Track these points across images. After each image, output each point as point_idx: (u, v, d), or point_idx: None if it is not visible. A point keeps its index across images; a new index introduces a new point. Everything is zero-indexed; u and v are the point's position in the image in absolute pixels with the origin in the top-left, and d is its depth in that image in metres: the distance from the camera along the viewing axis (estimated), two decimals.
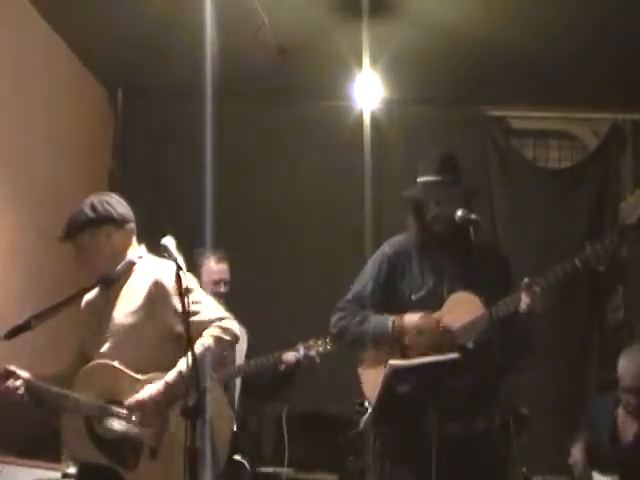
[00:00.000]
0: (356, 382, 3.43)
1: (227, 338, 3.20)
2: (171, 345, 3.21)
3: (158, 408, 3.12)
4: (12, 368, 3.18)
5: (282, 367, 4.43)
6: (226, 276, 4.57)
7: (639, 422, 4.30)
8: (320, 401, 5.32)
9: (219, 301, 4.36)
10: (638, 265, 5.28)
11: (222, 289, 4.52)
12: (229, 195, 5.53)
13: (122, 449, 3.14)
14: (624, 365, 4.34)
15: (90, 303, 3.37)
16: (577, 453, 4.45)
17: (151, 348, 3.21)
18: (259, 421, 5.13)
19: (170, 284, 3.16)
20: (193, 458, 2.63)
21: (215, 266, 4.55)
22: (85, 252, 3.27)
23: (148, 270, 3.28)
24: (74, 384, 3.18)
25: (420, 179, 3.47)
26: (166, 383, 3.12)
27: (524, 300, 3.16)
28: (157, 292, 3.20)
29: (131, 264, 3.31)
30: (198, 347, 3.09)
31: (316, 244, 5.92)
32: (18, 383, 3.14)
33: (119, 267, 3.29)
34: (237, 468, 4.28)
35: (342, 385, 3.92)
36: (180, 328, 3.14)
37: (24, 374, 3.18)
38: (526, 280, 3.16)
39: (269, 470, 4.95)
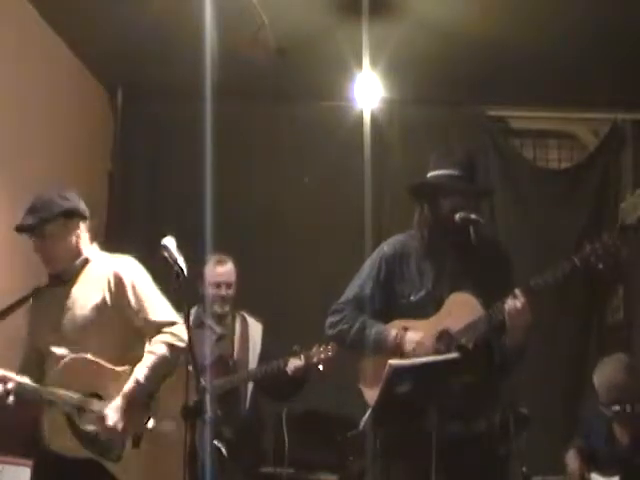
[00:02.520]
0: (356, 382, 3.43)
1: (180, 345, 3.21)
2: (133, 338, 3.27)
3: (126, 419, 3.14)
4: (3, 372, 3.17)
5: (290, 372, 4.41)
6: (226, 278, 4.54)
7: (628, 429, 4.31)
8: (320, 401, 5.32)
9: (223, 305, 4.47)
10: (638, 265, 5.28)
11: (223, 292, 4.51)
12: (229, 195, 5.53)
13: (105, 441, 3.16)
14: (597, 381, 4.36)
15: (40, 300, 3.34)
16: (572, 459, 4.45)
17: (115, 341, 3.24)
18: (259, 421, 5.12)
19: (127, 277, 3.25)
20: (193, 457, 2.64)
21: (214, 268, 4.54)
22: (51, 242, 3.27)
23: (105, 265, 3.32)
24: (52, 378, 3.18)
25: (436, 172, 3.41)
26: (124, 396, 3.16)
27: (510, 307, 3.15)
28: (115, 285, 3.25)
29: (86, 261, 3.34)
30: (151, 355, 3.17)
31: (316, 244, 5.92)
32: (10, 387, 3.14)
33: (77, 262, 3.32)
34: (214, 452, 4.28)
35: (342, 385, 3.91)
36: (137, 322, 3.23)
37: (15, 377, 3.18)
38: (516, 290, 3.16)
39: (269, 470, 4.95)
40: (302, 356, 4.37)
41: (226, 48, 4.89)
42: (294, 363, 4.37)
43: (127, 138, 6.22)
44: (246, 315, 4.63)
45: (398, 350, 3.30)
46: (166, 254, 2.94)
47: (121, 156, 6.21)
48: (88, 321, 3.22)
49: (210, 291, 4.48)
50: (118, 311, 3.24)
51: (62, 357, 3.21)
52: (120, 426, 3.12)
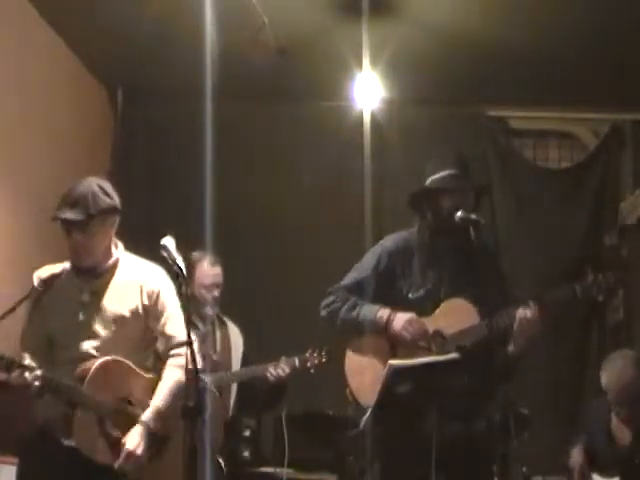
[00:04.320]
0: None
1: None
2: (145, 348, 3.28)
3: (145, 450, 3.12)
4: (28, 361, 3.10)
5: (276, 376, 4.39)
6: (219, 280, 4.42)
7: (630, 428, 4.31)
8: (320, 401, 5.31)
9: (214, 306, 4.38)
10: (638, 265, 5.28)
11: (215, 293, 4.37)
12: (229, 195, 5.53)
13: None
14: (605, 378, 4.36)
15: (64, 289, 3.26)
16: (577, 455, 4.46)
17: (131, 348, 3.23)
18: (259, 421, 5.12)
19: (159, 288, 3.26)
20: (193, 458, 2.63)
21: (208, 270, 4.39)
22: (91, 238, 3.20)
23: (137, 269, 3.31)
24: (88, 381, 3.10)
25: (433, 176, 3.43)
26: (146, 425, 3.13)
27: (521, 315, 3.17)
28: (148, 295, 3.25)
29: (117, 260, 3.31)
30: (169, 380, 3.18)
31: (316, 244, 5.91)
32: (38, 374, 3.02)
33: (110, 261, 3.29)
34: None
35: (342, 385, 3.91)
36: (157, 333, 3.25)
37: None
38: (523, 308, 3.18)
39: (269, 470, 4.95)
40: (296, 360, 4.37)
41: (226, 48, 4.90)
42: (284, 367, 4.36)
43: (127, 138, 6.22)
44: (224, 317, 4.52)
45: (389, 327, 3.31)
46: (165, 254, 2.94)
47: (121, 156, 6.21)
48: (116, 323, 3.20)
49: (203, 292, 4.33)
50: (146, 319, 3.25)
51: (87, 353, 3.15)
52: (140, 451, 3.09)
